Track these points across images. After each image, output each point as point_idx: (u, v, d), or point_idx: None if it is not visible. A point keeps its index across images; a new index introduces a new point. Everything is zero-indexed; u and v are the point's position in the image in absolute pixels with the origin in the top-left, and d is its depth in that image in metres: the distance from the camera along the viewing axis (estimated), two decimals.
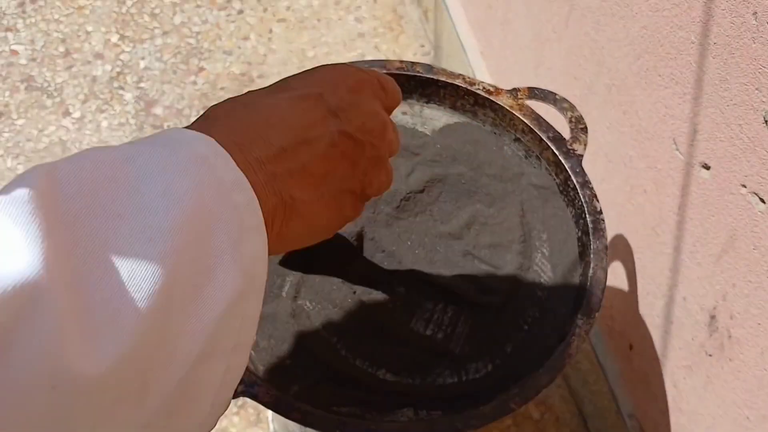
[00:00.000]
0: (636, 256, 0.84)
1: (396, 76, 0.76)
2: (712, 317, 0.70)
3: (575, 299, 0.68)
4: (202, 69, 1.47)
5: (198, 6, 1.51)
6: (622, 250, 0.87)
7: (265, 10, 1.50)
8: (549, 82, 0.96)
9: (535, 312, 0.69)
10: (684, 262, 0.74)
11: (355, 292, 0.68)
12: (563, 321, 0.67)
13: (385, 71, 0.75)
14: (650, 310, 0.82)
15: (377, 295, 0.68)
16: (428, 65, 0.77)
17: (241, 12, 1.49)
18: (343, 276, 0.68)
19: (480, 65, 1.17)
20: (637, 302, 0.85)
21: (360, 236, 0.70)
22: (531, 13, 0.97)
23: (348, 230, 0.70)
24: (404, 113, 0.79)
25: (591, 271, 0.67)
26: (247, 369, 0.61)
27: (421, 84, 0.76)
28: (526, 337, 0.68)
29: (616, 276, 0.90)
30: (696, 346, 0.74)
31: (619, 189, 0.85)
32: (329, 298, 0.68)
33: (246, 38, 1.46)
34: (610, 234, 0.90)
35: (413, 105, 0.79)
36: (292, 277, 0.68)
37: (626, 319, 0.89)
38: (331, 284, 0.68)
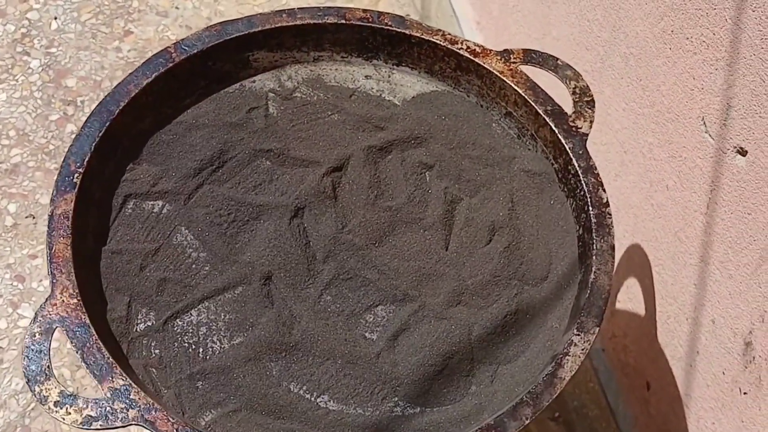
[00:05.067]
0: (655, 270, 0.82)
1: (358, 29, 0.74)
2: (747, 344, 0.68)
3: (572, 310, 0.66)
4: (128, 33, 1.44)
5: None
6: (638, 264, 0.85)
7: None
8: (556, 55, 0.95)
9: (521, 327, 0.67)
10: (713, 274, 0.72)
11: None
12: (556, 338, 0.65)
13: (342, 22, 0.73)
14: (671, 338, 0.80)
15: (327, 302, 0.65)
16: (399, 17, 0.75)
17: None
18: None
19: (475, 38, 1.16)
20: (655, 329, 0.83)
21: (300, 220, 0.67)
22: None
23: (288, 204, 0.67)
24: (368, 77, 0.77)
25: (592, 276, 0.65)
26: (144, 390, 0.57)
27: (390, 40, 0.75)
28: (508, 357, 0.65)
29: (630, 297, 0.88)
30: (727, 381, 0.71)
31: (636, 186, 0.83)
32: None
33: None
34: (623, 245, 0.88)
35: (380, 67, 0.77)
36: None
37: (643, 351, 0.86)
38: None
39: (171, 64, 0.70)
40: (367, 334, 0.65)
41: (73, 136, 1.40)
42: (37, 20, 1.43)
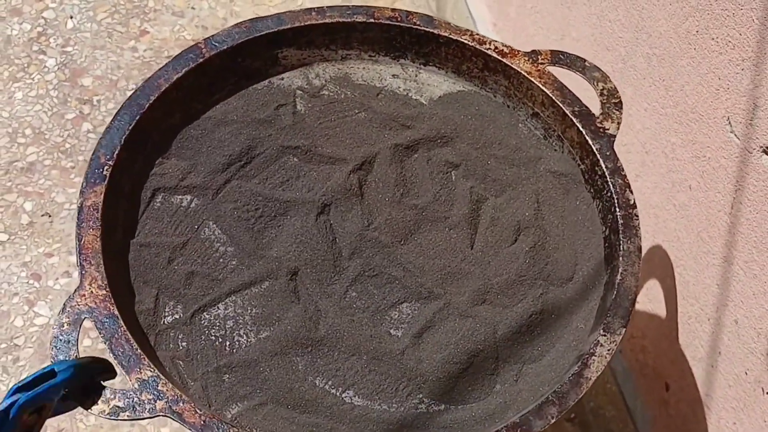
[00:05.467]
0: (677, 272, 0.83)
1: (386, 28, 0.75)
2: None
3: (598, 311, 0.67)
4: (145, 32, 1.45)
5: None
6: (659, 264, 0.86)
7: None
8: None
9: (546, 326, 0.68)
10: (737, 274, 0.73)
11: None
12: (581, 338, 0.66)
13: (371, 21, 0.75)
14: (692, 339, 0.81)
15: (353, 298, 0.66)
16: (428, 16, 0.76)
17: None
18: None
19: None
20: (676, 330, 0.84)
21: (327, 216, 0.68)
22: None
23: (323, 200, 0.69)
24: (395, 76, 0.78)
25: (619, 277, 0.66)
26: (172, 382, 0.58)
27: (418, 40, 0.76)
28: (533, 356, 0.66)
29: (650, 298, 0.89)
30: (750, 381, 0.72)
31: (657, 186, 0.84)
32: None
33: None
34: (644, 246, 0.88)
35: (407, 66, 0.78)
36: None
37: (662, 352, 0.87)
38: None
39: (201, 60, 0.72)
40: (392, 331, 0.66)
41: (90, 135, 1.42)
42: (53, 19, 1.44)
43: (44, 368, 0.56)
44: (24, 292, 1.15)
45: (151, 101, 0.69)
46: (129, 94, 0.71)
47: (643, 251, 0.90)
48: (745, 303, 0.72)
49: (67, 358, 0.59)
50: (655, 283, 0.87)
